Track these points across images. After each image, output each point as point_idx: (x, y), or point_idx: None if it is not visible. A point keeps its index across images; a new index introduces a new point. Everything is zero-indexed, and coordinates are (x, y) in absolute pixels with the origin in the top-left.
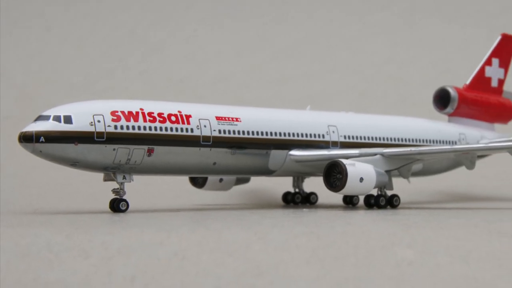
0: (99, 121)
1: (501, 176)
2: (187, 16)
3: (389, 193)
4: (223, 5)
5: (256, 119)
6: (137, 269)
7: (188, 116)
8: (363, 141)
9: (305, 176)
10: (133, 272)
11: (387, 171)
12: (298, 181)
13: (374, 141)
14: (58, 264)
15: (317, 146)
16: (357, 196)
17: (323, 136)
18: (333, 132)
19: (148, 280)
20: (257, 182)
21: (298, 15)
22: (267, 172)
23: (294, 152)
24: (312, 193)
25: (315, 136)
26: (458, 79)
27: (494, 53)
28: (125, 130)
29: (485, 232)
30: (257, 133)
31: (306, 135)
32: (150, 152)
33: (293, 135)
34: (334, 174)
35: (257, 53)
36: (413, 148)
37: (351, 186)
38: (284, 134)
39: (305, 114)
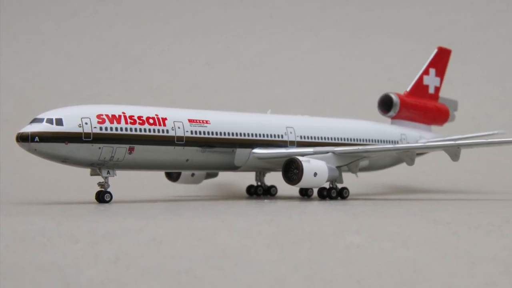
0: (86, 123)
1: (437, 172)
2: (163, 31)
3: (339, 186)
4: (195, 22)
5: (224, 121)
6: (120, 252)
7: (164, 119)
8: (317, 140)
9: (266, 171)
10: (116, 255)
11: (338, 167)
12: (260, 176)
13: (327, 141)
14: (51, 248)
15: (277, 145)
16: (311, 188)
17: (282, 136)
18: (291, 132)
19: (129, 262)
20: (224, 177)
21: (260, 31)
22: (233, 167)
23: (257, 150)
24: (273, 186)
25: (275, 136)
26: (400, 86)
27: (431, 64)
28: (109, 131)
29: (423, 220)
30: (224, 133)
31: (267, 135)
32: (131, 150)
33: (256, 135)
34: (292, 170)
35: (224, 64)
36: (360, 147)
37: (306, 180)
38: (248, 135)
39: (266, 117)
